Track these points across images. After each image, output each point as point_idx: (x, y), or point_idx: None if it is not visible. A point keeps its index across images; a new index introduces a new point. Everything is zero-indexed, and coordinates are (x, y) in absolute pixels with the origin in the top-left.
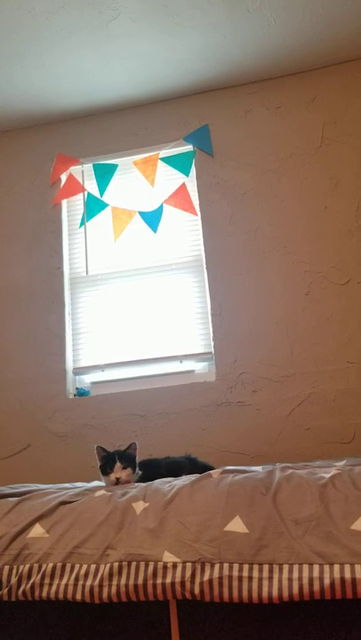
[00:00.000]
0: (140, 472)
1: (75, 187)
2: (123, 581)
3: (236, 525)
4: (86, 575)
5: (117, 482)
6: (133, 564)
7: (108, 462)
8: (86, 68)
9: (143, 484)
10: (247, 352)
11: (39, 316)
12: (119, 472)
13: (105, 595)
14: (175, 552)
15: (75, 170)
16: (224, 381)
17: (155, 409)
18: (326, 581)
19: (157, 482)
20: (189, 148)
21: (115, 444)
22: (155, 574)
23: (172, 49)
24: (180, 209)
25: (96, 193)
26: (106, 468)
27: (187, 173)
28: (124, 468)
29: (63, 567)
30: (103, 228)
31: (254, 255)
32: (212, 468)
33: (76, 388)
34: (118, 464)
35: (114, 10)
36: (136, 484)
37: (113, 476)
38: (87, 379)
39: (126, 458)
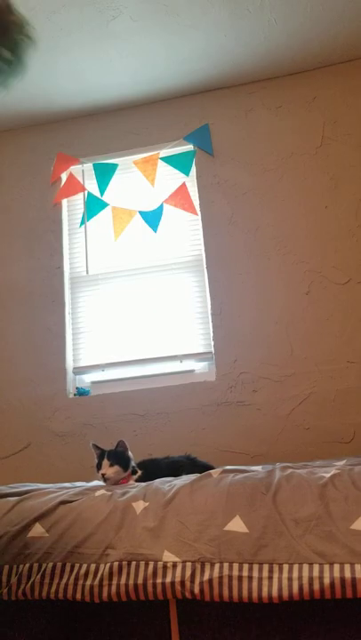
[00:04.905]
0: (139, 471)
1: (75, 186)
2: (123, 581)
3: (236, 525)
4: (86, 575)
5: (104, 478)
6: (133, 563)
7: (99, 460)
8: (86, 68)
9: (143, 484)
10: (247, 352)
11: (39, 315)
12: (105, 469)
13: (105, 594)
14: (175, 551)
15: (75, 169)
16: (224, 381)
17: (155, 408)
18: (326, 581)
19: (157, 481)
20: (190, 147)
21: (114, 444)
22: (155, 574)
23: (172, 48)
24: (181, 209)
25: (96, 192)
26: (97, 466)
27: (187, 173)
28: (112, 465)
29: (63, 567)
30: (103, 227)
31: (255, 255)
32: (211, 468)
33: (76, 388)
34: (105, 461)
35: (114, 9)
36: (136, 483)
37: (99, 473)
38: (87, 378)
39: (115, 455)
